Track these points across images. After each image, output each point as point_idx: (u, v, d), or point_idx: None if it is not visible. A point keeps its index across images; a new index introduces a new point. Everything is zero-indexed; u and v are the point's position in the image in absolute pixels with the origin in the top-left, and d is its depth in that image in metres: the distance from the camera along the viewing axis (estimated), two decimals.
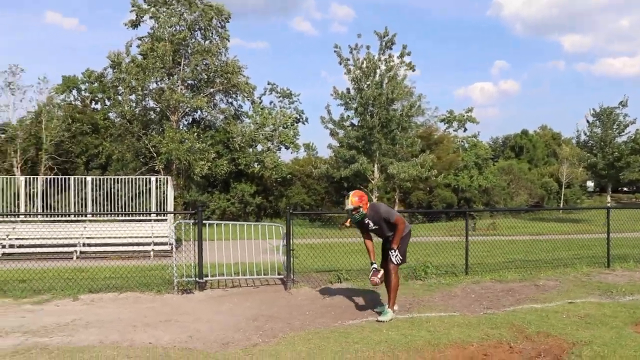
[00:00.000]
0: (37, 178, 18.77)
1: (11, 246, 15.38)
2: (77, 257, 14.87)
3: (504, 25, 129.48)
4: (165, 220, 17.38)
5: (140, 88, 30.14)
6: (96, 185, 17.66)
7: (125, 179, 18.45)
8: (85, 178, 17.98)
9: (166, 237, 15.77)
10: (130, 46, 30.66)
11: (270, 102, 38.96)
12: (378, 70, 28.10)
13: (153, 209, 17.61)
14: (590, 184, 55.46)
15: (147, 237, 16.24)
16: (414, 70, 29.30)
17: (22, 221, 16.71)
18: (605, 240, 11.26)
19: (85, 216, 17.22)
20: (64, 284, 8.91)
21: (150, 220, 17.53)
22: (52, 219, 17.30)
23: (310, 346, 5.65)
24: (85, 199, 17.47)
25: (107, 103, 35.02)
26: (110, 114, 34.28)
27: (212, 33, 32.15)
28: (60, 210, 18.22)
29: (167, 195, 18.17)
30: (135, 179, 18.57)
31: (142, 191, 18.35)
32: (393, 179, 29.51)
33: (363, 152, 28.27)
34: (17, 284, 9.02)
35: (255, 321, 6.79)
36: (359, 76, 28.05)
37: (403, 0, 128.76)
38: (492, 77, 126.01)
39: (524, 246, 14.07)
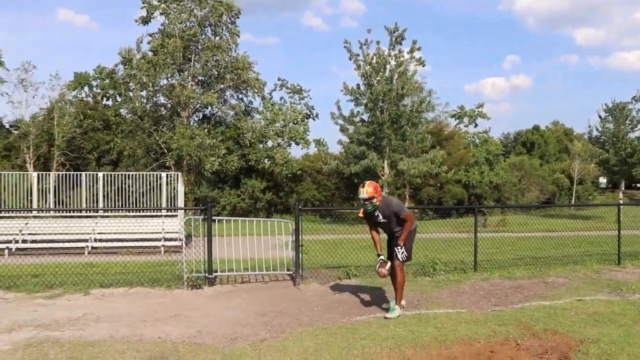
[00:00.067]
0: (49, 174, 18.95)
1: (24, 241, 15.56)
2: (89, 253, 15.03)
3: (516, 20, 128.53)
4: (176, 216, 17.50)
5: (151, 84, 30.27)
6: (107, 181, 17.81)
7: (136, 175, 18.60)
8: (96, 174, 18.14)
9: (176, 232, 15.87)
10: (141, 42, 30.86)
11: (281, 98, 38.99)
12: (388, 66, 28.01)
13: (164, 204, 17.73)
14: (602, 180, 55.01)
15: (157, 232, 16.37)
16: (423, 66, 29.20)
17: (35, 217, 16.89)
18: (616, 238, 11.21)
19: (97, 212, 17.36)
20: (75, 279, 9.03)
21: (160, 216, 17.66)
22: (64, 214, 17.46)
23: (318, 342, 5.69)
24: (97, 194, 17.63)
25: (119, 99, 35.22)
26: (121, 110, 34.45)
27: (222, 29, 32.20)
28: (72, 206, 18.39)
29: (177, 191, 18.29)
30: (146, 174, 18.70)
31: (153, 187, 18.48)
32: (403, 175, 29.45)
33: (373, 148, 28.21)
34: (30, 278, 9.14)
35: (263, 317, 6.84)
36: (369, 72, 27.98)
37: None
38: (503, 72, 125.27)
39: (534, 243, 14.04)
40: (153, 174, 18.82)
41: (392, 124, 27.97)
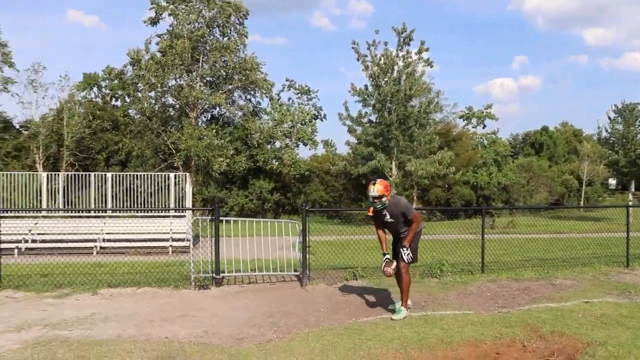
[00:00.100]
0: (58, 174, 19.06)
1: (33, 241, 15.65)
2: (97, 253, 15.11)
3: (525, 20, 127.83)
4: (184, 216, 17.56)
5: (159, 85, 30.40)
6: (116, 182, 17.90)
7: (144, 175, 18.67)
8: (105, 174, 18.23)
9: (184, 233, 15.92)
10: (150, 43, 31.02)
11: (289, 99, 39.04)
12: (396, 67, 27.94)
13: (172, 205, 17.79)
14: (612, 181, 54.68)
15: (165, 233, 16.43)
16: (431, 67, 29.08)
17: (44, 217, 17.00)
18: (625, 239, 11.15)
19: (105, 212, 17.46)
20: (83, 279, 9.09)
21: (168, 217, 17.72)
22: (73, 214, 17.57)
23: (324, 342, 5.71)
24: (106, 195, 17.72)
25: (127, 100, 35.40)
26: (130, 111, 34.64)
27: (230, 30, 32.31)
28: (80, 206, 18.50)
29: (185, 191, 18.35)
30: (154, 175, 18.78)
31: (161, 187, 18.55)
32: (411, 176, 29.38)
33: (381, 149, 28.16)
34: (39, 278, 9.21)
35: (270, 317, 6.87)
36: (377, 73, 27.93)
37: None
38: (512, 72, 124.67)
39: (542, 244, 13.99)
40: (161, 175, 18.90)
41: (400, 125, 27.91)
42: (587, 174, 43.16)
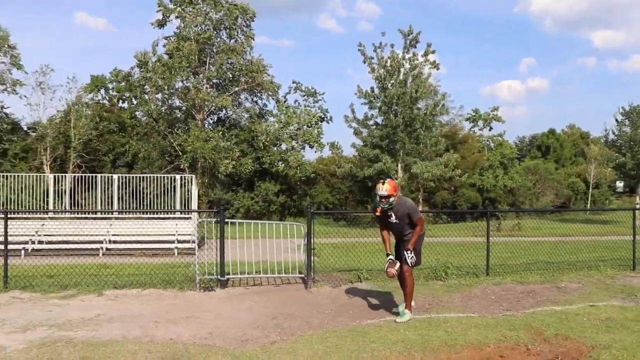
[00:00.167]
0: (65, 176, 19.17)
1: (40, 242, 15.71)
2: (103, 254, 15.16)
3: (532, 21, 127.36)
4: (190, 218, 17.59)
5: (166, 87, 30.51)
6: (122, 183, 17.95)
7: (150, 177, 18.76)
8: (112, 176, 18.29)
9: (190, 234, 15.96)
10: (157, 46, 31.11)
11: (295, 101, 39.03)
12: (402, 69, 28.00)
13: (178, 207, 17.83)
14: (619, 184, 54.38)
15: (171, 234, 16.47)
16: (438, 69, 29.14)
17: (51, 218, 17.06)
18: (631, 242, 11.10)
19: (112, 213, 17.52)
20: (89, 280, 9.15)
21: (174, 218, 17.76)
22: (79, 216, 17.64)
23: (328, 345, 5.72)
24: (112, 196, 17.78)
25: (134, 102, 35.50)
26: (136, 113, 34.76)
27: (237, 32, 32.37)
28: (87, 208, 18.59)
29: (191, 193, 18.39)
30: (161, 177, 18.84)
31: (167, 189, 18.60)
32: (417, 179, 29.40)
33: (387, 151, 28.21)
34: (45, 279, 9.27)
35: (274, 319, 6.88)
36: (383, 75, 27.98)
37: None
38: (519, 74, 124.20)
39: (548, 247, 13.94)
40: (167, 176, 18.96)
41: (406, 127, 27.94)
42: (594, 177, 42.95)
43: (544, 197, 45.09)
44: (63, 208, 18.25)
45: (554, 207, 43.71)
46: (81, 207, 18.70)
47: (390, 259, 6.87)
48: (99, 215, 17.57)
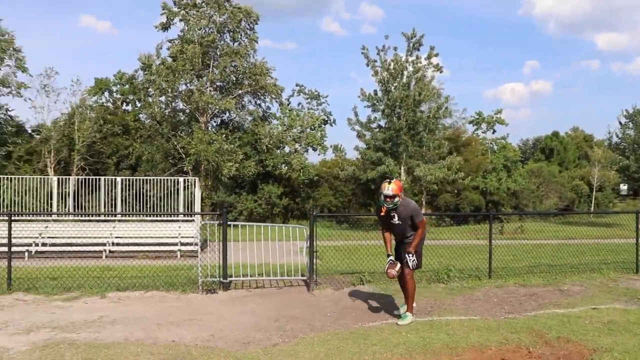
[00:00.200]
0: (69, 178, 19.25)
1: (44, 244, 15.79)
2: (106, 256, 15.22)
3: (536, 24, 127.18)
4: (193, 220, 17.65)
5: (170, 90, 30.63)
6: (126, 186, 18.03)
7: (154, 179, 18.83)
8: (115, 178, 18.38)
9: (193, 237, 16.00)
10: (161, 48, 31.25)
11: (298, 104, 39.12)
12: (405, 72, 27.99)
13: (181, 209, 17.89)
14: (623, 187, 54.24)
15: (174, 237, 16.52)
16: (441, 72, 29.18)
17: (55, 220, 17.15)
18: (635, 246, 11.07)
19: (115, 216, 17.58)
20: (92, 282, 9.18)
21: (177, 221, 17.82)
22: (83, 218, 17.71)
23: (329, 347, 5.73)
24: (115, 199, 17.86)
25: (138, 105, 35.67)
26: (140, 116, 34.92)
27: (240, 35, 32.49)
28: (91, 210, 18.66)
29: (194, 196, 18.45)
30: (164, 179, 18.91)
31: (171, 192, 18.67)
32: (420, 182, 29.38)
33: (390, 154, 28.20)
34: (49, 281, 9.31)
35: (276, 321, 6.90)
36: (386, 78, 27.99)
37: (433, 0, 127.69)
38: (523, 77, 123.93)
39: (551, 250, 13.92)
40: (171, 179, 19.03)
41: (409, 130, 27.93)
42: (597, 180, 42.84)
43: (547, 200, 45.02)
44: (67, 210, 18.33)
45: (558, 210, 43.60)
46: (85, 209, 18.78)
47: (391, 260, 6.88)
48: (102, 218, 17.64)
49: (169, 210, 18.61)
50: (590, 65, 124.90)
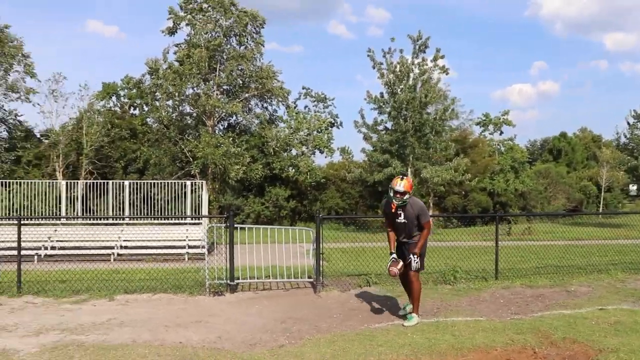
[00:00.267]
0: (77, 182, 19.39)
1: (53, 248, 15.91)
2: (115, 259, 15.30)
3: (543, 25, 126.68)
4: (200, 223, 17.73)
5: (177, 94, 30.78)
6: (134, 189, 18.12)
7: (161, 183, 18.93)
8: (123, 182, 18.48)
9: (200, 240, 16.07)
10: (168, 53, 31.40)
11: (305, 107, 39.22)
12: (411, 74, 28.00)
13: (188, 212, 17.96)
14: (632, 187, 53.94)
15: (181, 240, 16.59)
16: (447, 74, 29.14)
17: (63, 224, 17.28)
18: None
19: (123, 219, 17.69)
20: (101, 285, 9.26)
21: (185, 224, 17.89)
22: (91, 222, 17.83)
23: (335, 348, 5.76)
24: (123, 202, 17.96)
25: (145, 109, 35.81)
26: (148, 120, 35.08)
27: (247, 39, 32.60)
28: (99, 214, 18.78)
29: (202, 199, 18.52)
30: (172, 183, 19.01)
31: (178, 195, 18.75)
32: (427, 183, 29.35)
33: (396, 156, 28.19)
34: (58, 284, 9.39)
35: (283, 323, 6.94)
36: (393, 80, 28.00)
37: (439, 2, 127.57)
38: (530, 78, 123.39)
39: (558, 251, 13.87)
40: (178, 182, 19.12)
41: (415, 132, 27.93)
42: (606, 180, 42.64)
43: (555, 201, 44.82)
44: (75, 214, 18.46)
45: (566, 211, 43.41)
46: (93, 213, 18.91)
47: (394, 258, 6.89)
48: (110, 221, 17.75)
49: (177, 214, 18.69)
50: (598, 66, 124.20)
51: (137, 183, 18.50)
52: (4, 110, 30.57)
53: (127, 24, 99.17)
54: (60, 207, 18.00)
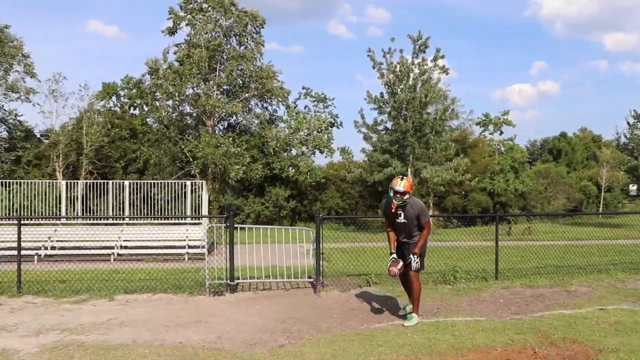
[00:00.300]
0: (77, 182, 19.39)
1: (53, 248, 15.91)
2: (115, 259, 15.30)
3: (543, 25, 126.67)
4: (200, 223, 17.73)
5: (177, 94, 30.77)
6: (134, 189, 18.12)
7: (161, 183, 18.93)
8: (123, 182, 18.48)
9: (200, 240, 16.07)
10: (168, 53, 31.39)
11: (305, 107, 39.22)
12: (411, 74, 28.01)
13: (188, 212, 17.96)
14: (632, 187, 53.94)
15: (181, 240, 16.59)
16: (447, 74, 29.14)
17: (63, 224, 17.28)
18: None
19: (123, 219, 17.69)
20: (101, 285, 9.26)
21: (185, 224, 17.90)
22: (91, 222, 17.83)
23: (335, 348, 5.76)
24: (123, 202, 17.96)
25: (145, 109, 35.81)
26: (148, 120, 35.08)
27: (247, 39, 32.60)
28: (99, 214, 18.78)
29: (202, 199, 18.52)
30: (171, 183, 19.01)
31: (178, 195, 18.76)
32: (426, 183, 29.35)
33: (396, 156, 28.19)
34: (58, 284, 9.40)
35: (283, 323, 6.94)
36: (393, 80, 28.01)
37: (439, 2, 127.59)
38: (530, 78, 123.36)
39: (558, 251, 13.87)
40: (178, 182, 19.12)
41: (415, 132, 27.93)
42: (606, 180, 42.64)
43: (555, 201, 44.83)
44: (75, 214, 18.46)
45: (566, 211, 43.41)
46: (93, 213, 18.91)
47: (393, 258, 6.89)
48: (110, 221, 17.75)
49: (177, 214, 18.70)
50: (598, 66, 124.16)
51: (137, 183, 18.50)
52: (4, 110, 30.61)
53: (127, 24, 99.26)
54: (60, 207, 18.00)
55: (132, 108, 38.42)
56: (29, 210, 17.62)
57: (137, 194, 18.18)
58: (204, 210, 18.40)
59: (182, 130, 32.43)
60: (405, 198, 6.71)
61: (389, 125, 29.51)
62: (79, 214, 18.49)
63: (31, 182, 18.08)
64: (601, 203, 45.18)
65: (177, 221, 18.30)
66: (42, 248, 15.64)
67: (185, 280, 9.67)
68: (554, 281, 9.70)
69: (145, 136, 33.67)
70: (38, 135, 32.97)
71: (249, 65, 32.06)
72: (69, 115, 31.03)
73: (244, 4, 32.00)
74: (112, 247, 15.96)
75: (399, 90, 27.90)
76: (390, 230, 7.04)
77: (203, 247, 14.67)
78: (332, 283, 9.44)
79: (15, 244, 9.14)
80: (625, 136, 36.72)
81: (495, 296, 8.48)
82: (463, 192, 39.03)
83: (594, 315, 7.04)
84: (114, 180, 19.55)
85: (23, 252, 9.42)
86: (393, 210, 6.83)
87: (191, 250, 15.98)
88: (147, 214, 18.27)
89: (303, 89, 39.57)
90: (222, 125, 34.78)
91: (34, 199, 17.72)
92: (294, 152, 35.37)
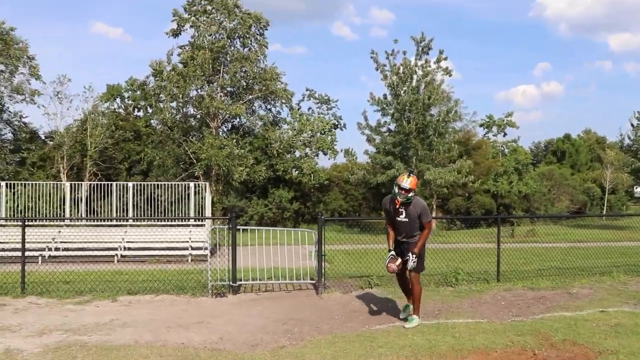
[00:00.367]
0: (81, 184, 19.46)
1: (57, 249, 15.96)
2: (118, 261, 15.35)
3: (547, 26, 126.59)
4: (203, 225, 17.76)
5: (180, 95, 30.81)
6: (137, 191, 18.17)
7: (165, 184, 18.98)
8: (127, 184, 18.53)
9: (203, 241, 16.11)
10: (172, 55, 31.42)
11: (309, 108, 39.20)
12: (415, 76, 28.06)
13: (192, 214, 18.00)
14: (637, 189, 53.81)
15: (185, 241, 16.63)
16: (450, 75, 29.15)
17: (67, 225, 17.33)
18: None
19: (127, 221, 17.74)
20: (104, 286, 9.32)
21: (188, 225, 17.94)
22: (95, 223, 17.89)
23: (336, 349, 5.80)
24: (127, 204, 18.01)
25: (149, 110, 35.83)
26: (152, 121, 35.14)
27: (250, 40, 32.62)
28: (103, 215, 18.85)
29: (205, 200, 18.56)
30: (175, 184, 19.05)
31: (182, 196, 18.80)
32: (430, 185, 29.37)
33: (400, 158, 28.23)
34: (61, 285, 9.45)
35: (284, 324, 6.97)
36: (396, 82, 28.05)
37: (443, 3, 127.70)
38: (534, 79, 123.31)
39: (560, 253, 13.88)
40: (182, 184, 19.17)
41: (418, 134, 27.96)
42: (610, 182, 42.56)
43: (559, 203, 44.77)
44: (79, 215, 18.52)
45: (569, 213, 43.34)
46: (97, 214, 18.98)
47: (392, 255, 6.88)
48: (114, 222, 17.81)
49: (180, 215, 18.74)
50: (602, 66, 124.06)
51: (141, 184, 18.55)
52: (9, 112, 30.74)
53: (131, 26, 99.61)
54: (64, 209, 18.06)
55: (136, 110, 38.52)
56: (34, 212, 17.70)
57: (140, 195, 18.23)
58: (207, 212, 18.43)
59: (185, 131, 32.48)
60: (409, 195, 6.70)
61: (392, 127, 29.58)
62: (83, 216, 18.56)
63: (36, 184, 18.16)
64: (605, 205, 45.10)
65: (180, 223, 18.34)
66: (46, 249, 15.69)
67: (187, 281, 9.71)
68: (555, 283, 9.72)
69: (149, 138, 33.75)
70: (43, 137, 33.13)
71: (253, 67, 32.07)
72: (73, 117, 31.23)
73: (248, 6, 32.13)
74: (115, 249, 16.00)
75: (402, 92, 27.95)
76: (390, 229, 7.05)
77: (206, 248, 14.70)
78: (334, 285, 9.47)
79: (19, 245, 9.19)
80: (630, 138, 36.68)
81: (497, 298, 8.50)
82: (466, 194, 39.02)
83: (595, 318, 7.06)
84: (117, 182, 19.60)
85: (27, 253, 9.47)
86: (397, 206, 6.80)
87: (194, 252, 16.01)
88: (151, 216, 18.32)
89: (307, 90, 39.61)
90: (225, 126, 34.81)
91: (39, 200, 17.79)
92: (297, 153, 35.40)
